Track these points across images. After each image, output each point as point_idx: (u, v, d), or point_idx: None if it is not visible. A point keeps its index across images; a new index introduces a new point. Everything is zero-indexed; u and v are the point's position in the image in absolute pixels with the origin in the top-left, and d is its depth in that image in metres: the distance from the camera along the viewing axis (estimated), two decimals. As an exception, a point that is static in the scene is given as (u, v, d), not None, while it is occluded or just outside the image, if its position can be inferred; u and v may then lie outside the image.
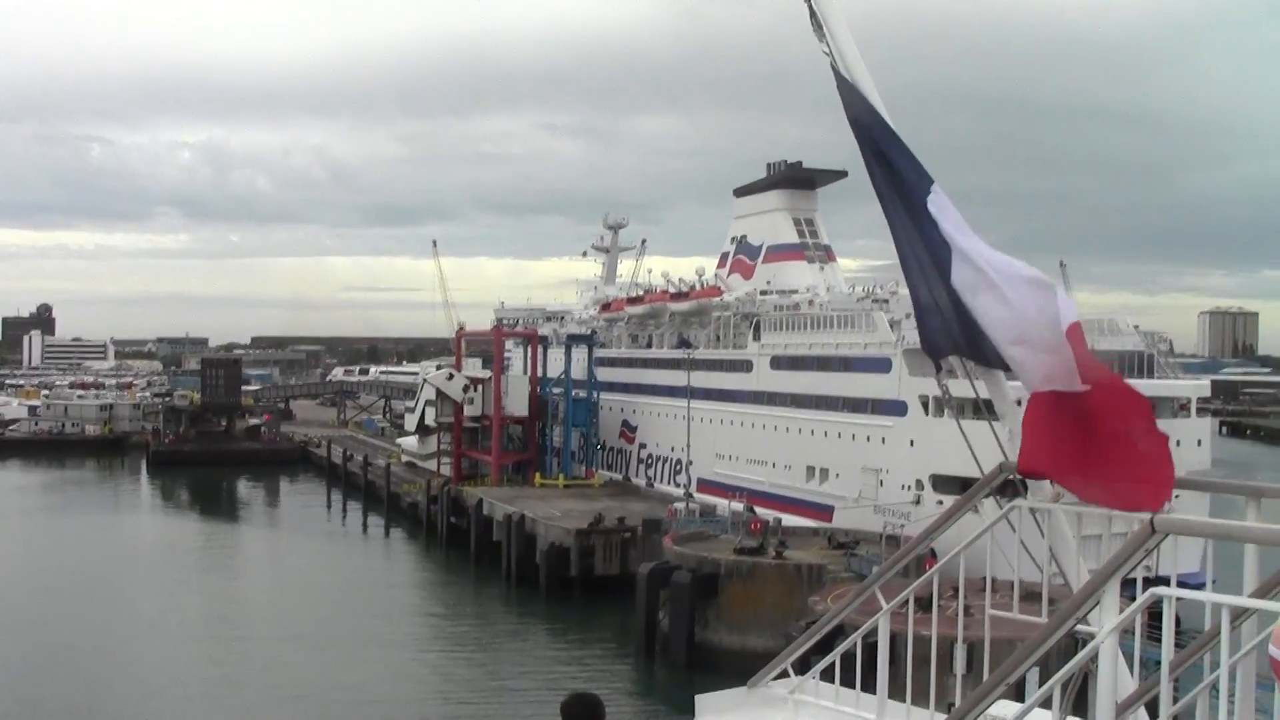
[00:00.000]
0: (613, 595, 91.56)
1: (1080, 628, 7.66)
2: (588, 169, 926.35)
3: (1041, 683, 7.76)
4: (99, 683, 74.53)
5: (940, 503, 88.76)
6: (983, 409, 9.35)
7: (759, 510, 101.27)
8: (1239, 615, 7.50)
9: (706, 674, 73.77)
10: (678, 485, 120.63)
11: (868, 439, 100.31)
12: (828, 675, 10.97)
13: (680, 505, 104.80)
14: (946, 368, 9.86)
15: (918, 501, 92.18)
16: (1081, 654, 7.47)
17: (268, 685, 75.17)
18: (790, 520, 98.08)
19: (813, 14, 9.41)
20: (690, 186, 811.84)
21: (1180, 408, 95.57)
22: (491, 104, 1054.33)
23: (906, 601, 10.20)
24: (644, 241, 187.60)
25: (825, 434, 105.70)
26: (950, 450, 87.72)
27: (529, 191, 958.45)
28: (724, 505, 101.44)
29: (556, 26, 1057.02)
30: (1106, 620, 7.42)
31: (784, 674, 11.06)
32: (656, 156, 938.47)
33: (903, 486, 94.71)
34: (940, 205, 9.10)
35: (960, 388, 10.23)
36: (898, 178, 9.35)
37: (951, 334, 9.23)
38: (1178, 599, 7.48)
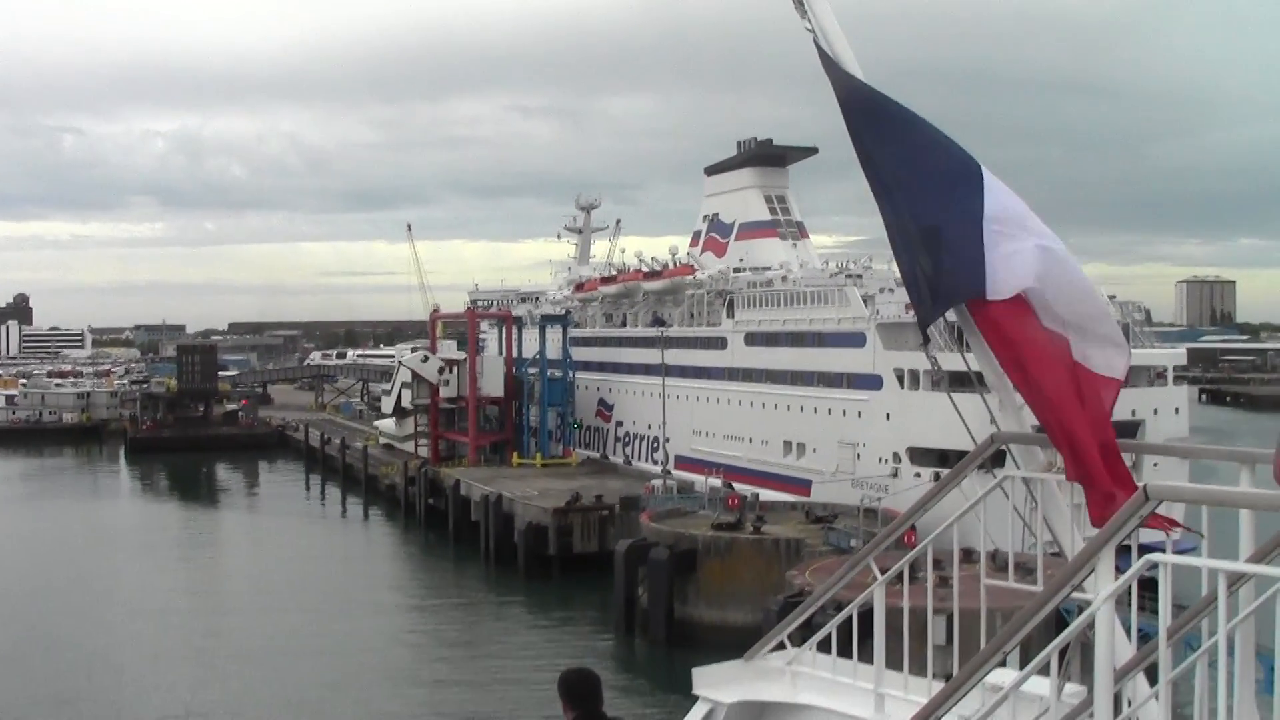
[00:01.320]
0: (592, 573, 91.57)
1: (1076, 595, 7.67)
2: (561, 150, 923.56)
3: (1022, 654, 7.87)
4: (82, 669, 74.12)
5: (918, 475, 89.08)
6: (974, 380, 9.45)
7: (737, 486, 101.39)
8: (1235, 581, 7.40)
9: (686, 649, 73.95)
10: (655, 463, 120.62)
11: (844, 413, 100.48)
12: (824, 647, 10.99)
13: (658, 482, 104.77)
14: (934, 344, 10.11)
15: (895, 474, 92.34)
16: (1078, 620, 7.49)
17: (249, 669, 74.80)
18: (768, 495, 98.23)
19: None
20: (664, 166, 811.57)
21: (1156, 376, 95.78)
22: (462, 87, 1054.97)
23: (900, 573, 10.24)
24: (619, 221, 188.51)
25: (801, 409, 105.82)
26: (927, 423, 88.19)
27: (503, 174, 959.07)
28: (702, 481, 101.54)
29: (525, 8, 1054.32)
30: (1102, 587, 7.38)
31: (780, 646, 11.07)
32: (629, 137, 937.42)
33: (880, 460, 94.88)
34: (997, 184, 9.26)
35: (951, 361, 10.47)
36: (889, 147, 9.40)
37: (935, 288, 9.23)
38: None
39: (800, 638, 11.08)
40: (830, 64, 9.46)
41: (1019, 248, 8.88)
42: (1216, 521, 8.05)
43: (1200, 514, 7.92)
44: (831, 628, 10.75)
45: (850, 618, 10.55)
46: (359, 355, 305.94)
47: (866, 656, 10.51)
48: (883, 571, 10.26)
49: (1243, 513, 7.93)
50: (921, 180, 9.30)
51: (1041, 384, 8.78)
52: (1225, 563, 7.11)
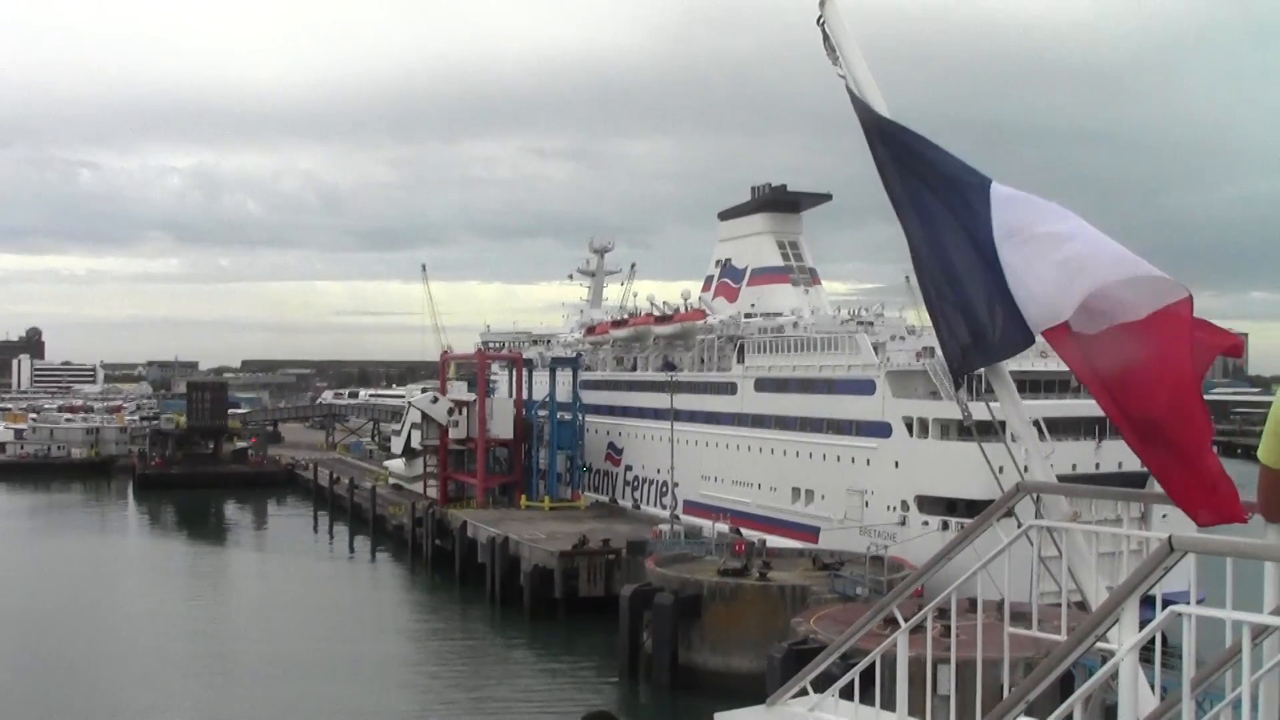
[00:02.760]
0: (597, 617, 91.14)
1: (1099, 645, 7.68)
2: (577, 193, 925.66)
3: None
4: (83, 703, 74.26)
5: (925, 523, 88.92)
6: (998, 430, 9.67)
7: (745, 532, 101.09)
8: (1259, 634, 7.49)
9: (690, 695, 73.81)
10: (664, 507, 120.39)
11: (853, 460, 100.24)
12: (846, 693, 10.89)
13: (665, 527, 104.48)
14: (963, 391, 10.23)
15: (903, 522, 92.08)
16: (1102, 670, 7.53)
17: (254, 708, 75.11)
18: (776, 542, 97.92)
19: (826, 39, 9.87)
20: (679, 210, 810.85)
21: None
22: (479, 128, 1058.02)
23: (909, 621, 10.23)
24: (633, 265, 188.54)
25: (810, 455, 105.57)
26: (935, 471, 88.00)
27: (519, 215, 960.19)
28: (709, 527, 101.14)
29: (543, 52, 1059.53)
30: (1126, 638, 7.44)
31: (803, 692, 10.98)
32: (645, 180, 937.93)
33: (888, 507, 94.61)
34: (1006, 196, 9.34)
35: (978, 410, 10.50)
36: (938, 189, 9.54)
37: (970, 346, 9.38)
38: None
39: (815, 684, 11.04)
40: (863, 108, 9.73)
41: (1040, 276, 8.95)
42: (1240, 574, 8.06)
43: (1225, 566, 7.90)
44: (854, 674, 10.64)
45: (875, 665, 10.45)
46: (371, 395, 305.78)
47: (871, 701, 10.52)
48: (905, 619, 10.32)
49: (1268, 565, 7.97)
50: (950, 233, 9.45)
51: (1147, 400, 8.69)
52: (1249, 615, 7.13)
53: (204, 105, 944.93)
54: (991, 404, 9.52)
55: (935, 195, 9.52)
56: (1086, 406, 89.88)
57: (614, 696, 79.45)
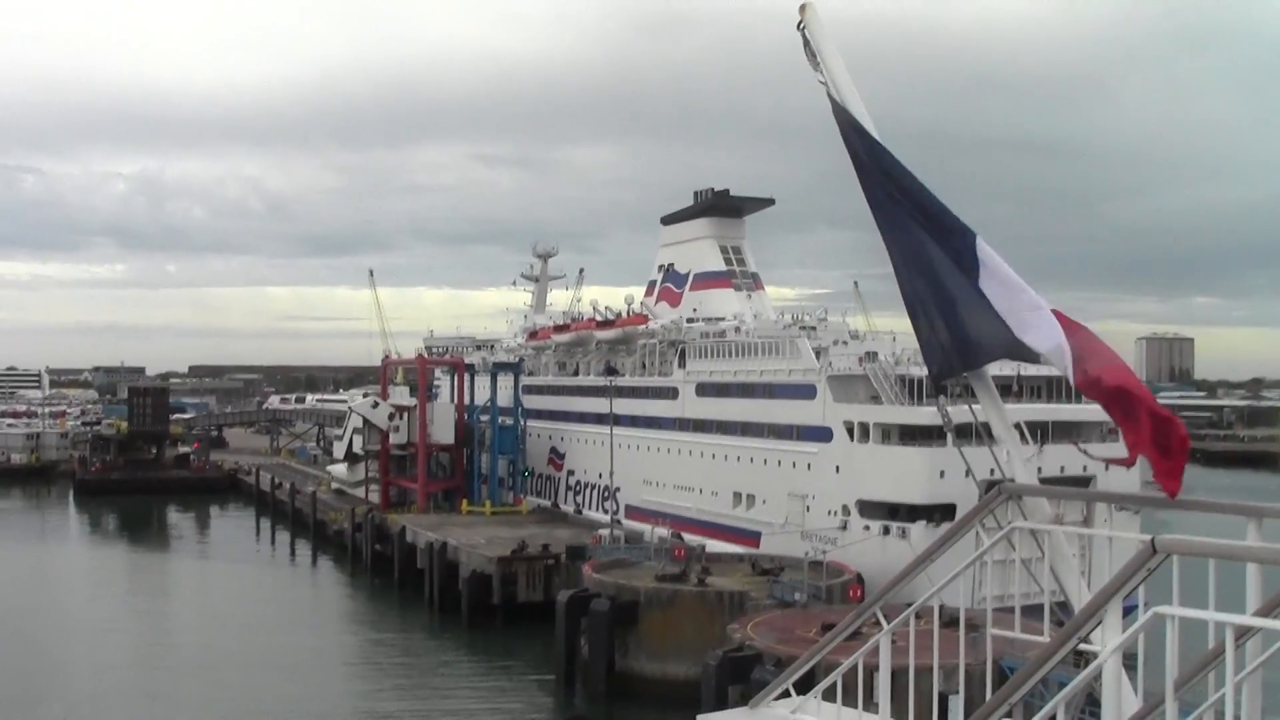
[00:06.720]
0: (536, 623, 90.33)
1: (1083, 647, 7.84)
2: (524, 199, 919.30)
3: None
4: (20, 715, 73.42)
5: (867, 528, 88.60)
6: (982, 432, 9.93)
7: (687, 537, 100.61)
8: (1242, 634, 7.56)
9: (626, 703, 73.46)
10: (606, 512, 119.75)
11: (794, 465, 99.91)
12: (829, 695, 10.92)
13: (606, 532, 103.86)
14: (947, 396, 10.78)
15: (844, 527, 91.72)
16: (1086, 671, 7.70)
17: (192, 715, 74.32)
18: (717, 546, 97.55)
19: (806, 44, 10.05)
20: (626, 216, 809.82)
21: (1109, 431, 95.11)
22: (425, 135, 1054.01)
23: (905, 623, 10.16)
24: (581, 271, 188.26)
25: (751, 460, 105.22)
26: (876, 475, 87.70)
27: (465, 221, 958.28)
28: (650, 532, 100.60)
29: (487, 60, 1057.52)
30: (1109, 639, 7.61)
31: (785, 694, 10.98)
32: (592, 187, 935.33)
33: (829, 512, 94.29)
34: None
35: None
36: (904, 204, 9.75)
37: (953, 351, 9.66)
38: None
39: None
40: (842, 113, 9.95)
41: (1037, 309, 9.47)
42: (1223, 575, 8.15)
43: (1207, 567, 7.99)
44: (836, 676, 10.71)
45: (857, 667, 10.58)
46: (317, 400, 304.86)
47: (851, 703, 10.64)
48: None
49: (1250, 566, 8.03)
50: (927, 244, 9.64)
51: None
52: (1233, 616, 7.31)
53: (147, 111, 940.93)
54: (974, 406, 9.74)
55: (910, 201, 9.64)
56: (1029, 411, 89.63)
57: (550, 704, 79.16)
